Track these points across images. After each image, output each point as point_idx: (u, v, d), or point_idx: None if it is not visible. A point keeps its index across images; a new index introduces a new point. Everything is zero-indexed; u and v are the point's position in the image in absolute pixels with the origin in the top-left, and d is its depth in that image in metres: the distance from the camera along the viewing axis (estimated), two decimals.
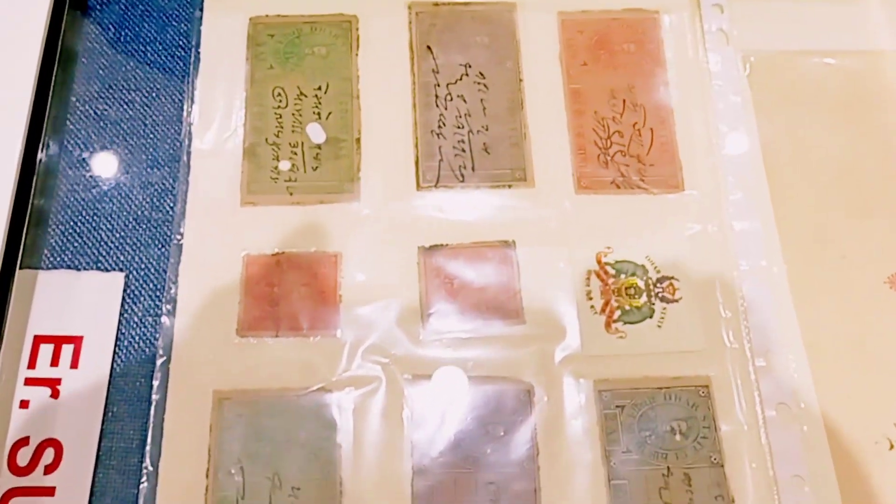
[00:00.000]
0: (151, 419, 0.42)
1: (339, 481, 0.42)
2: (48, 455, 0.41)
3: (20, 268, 0.44)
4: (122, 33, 0.51)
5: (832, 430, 0.44)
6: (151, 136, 0.48)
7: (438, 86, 0.50)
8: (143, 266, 0.46)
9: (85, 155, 0.48)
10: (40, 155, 0.46)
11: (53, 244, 0.46)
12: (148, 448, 0.41)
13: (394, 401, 0.43)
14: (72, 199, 0.47)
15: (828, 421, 0.44)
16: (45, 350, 0.43)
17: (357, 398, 0.43)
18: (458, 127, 0.49)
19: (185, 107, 0.49)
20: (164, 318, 0.44)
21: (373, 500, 0.41)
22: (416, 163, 0.48)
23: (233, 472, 0.41)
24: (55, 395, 0.42)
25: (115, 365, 0.43)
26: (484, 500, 0.42)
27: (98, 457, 0.41)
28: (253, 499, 0.41)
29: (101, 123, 0.48)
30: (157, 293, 0.45)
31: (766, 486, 0.43)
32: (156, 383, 0.43)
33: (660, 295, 0.46)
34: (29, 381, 0.42)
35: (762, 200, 0.48)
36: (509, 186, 0.48)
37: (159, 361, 0.43)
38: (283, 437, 0.42)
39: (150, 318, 0.45)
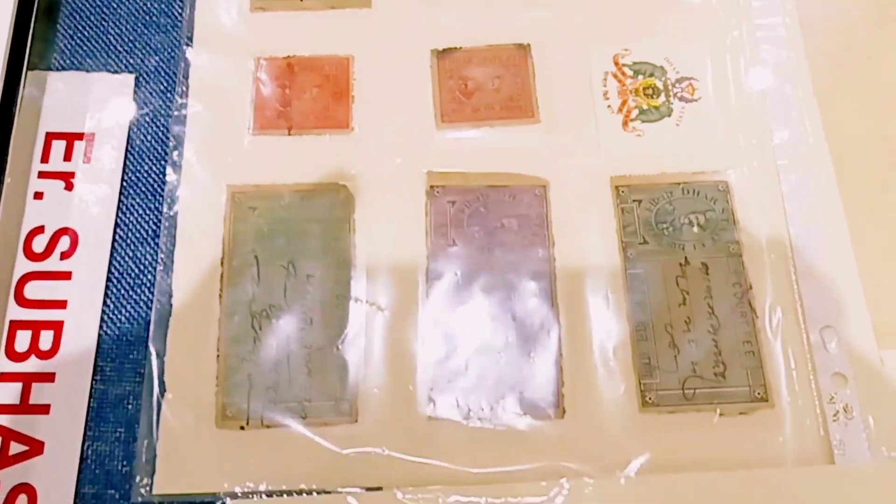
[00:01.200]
0: (165, 210, 0.42)
1: (351, 267, 0.42)
2: (63, 242, 0.41)
3: (30, 69, 0.44)
4: None
5: (854, 226, 0.43)
6: None
7: None
8: (153, 70, 0.45)
9: None
10: None
11: (63, 47, 0.45)
12: (162, 238, 0.41)
13: (408, 194, 0.43)
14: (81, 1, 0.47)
15: (851, 217, 0.43)
16: (58, 146, 0.43)
17: (371, 193, 0.43)
18: None
19: None
20: (174, 120, 0.44)
21: (386, 282, 0.41)
22: None
23: (246, 258, 0.41)
24: (69, 187, 0.42)
25: (127, 160, 0.43)
26: (500, 291, 0.42)
27: (113, 245, 0.41)
28: (267, 285, 0.41)
29: None
30: (168, 96, 0.45)
31: (785, 275, 0.42)
32: (168, 178, 0.43)
33: (679, 95, 0.45)
34: (42, 175, 0.42)
35: None
36: None
37: (174, 155, 0.43)
38: (297, 228, 0.42)
39: (160, 119, 0.44)
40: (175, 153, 0.43)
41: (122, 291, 0.41)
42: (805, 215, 0.43)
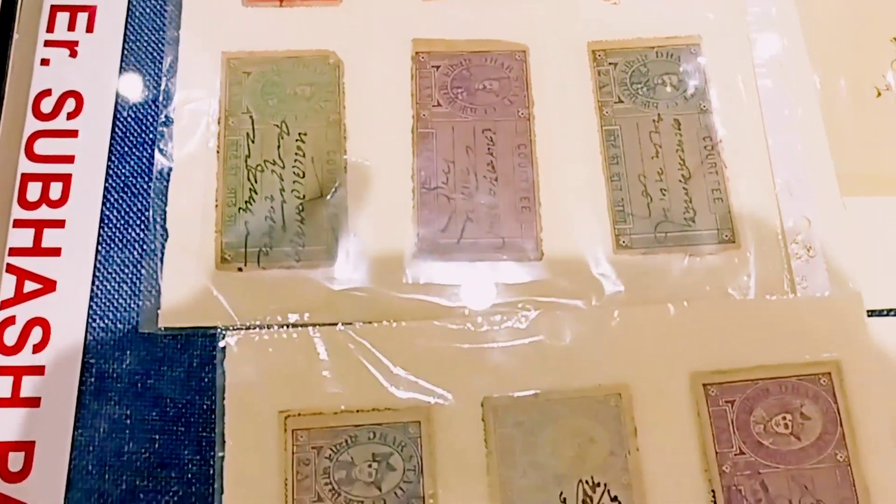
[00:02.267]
0: (163, 75, 0.44)
1: (343, 128, 0.44)
2: (70, 104, 0.44)
3: None
4: None
5: (824, 82, 0.45)
6: None
7: None
8: None
9: None
10: None
11: None
12: (161, 100, 0.44)
13: (395, 60, 0.45)
14: None
15: (820, 73, 0.45)
16: (62, 17, 0.45)
17: (359, 59, 0.45)
18: None
19: None
20: None
21: (375, 140, 0.44)
22: None
23: (242, 118, 0.44)
24: (73, 55, 0.45)
25: (127, 30, 0.45)
26: (483, 146, 0.44)
27: (116, 106, 0.44)
28: (262, 142, 0.44)
29: None
30: None
31: (753, 129, 0.44)
32: (166, 46, 0.45)
33: None
34: (48, 43, 0.45)
35: None
36: None
37: (171, 26, 0.45)
38: (289, 91, 0.45)
39: None
40: (172, 25, 0.45)
41: (126, 148, 0.43)
42: (774, 73, 0.45)
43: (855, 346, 0.40)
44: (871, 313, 0.41)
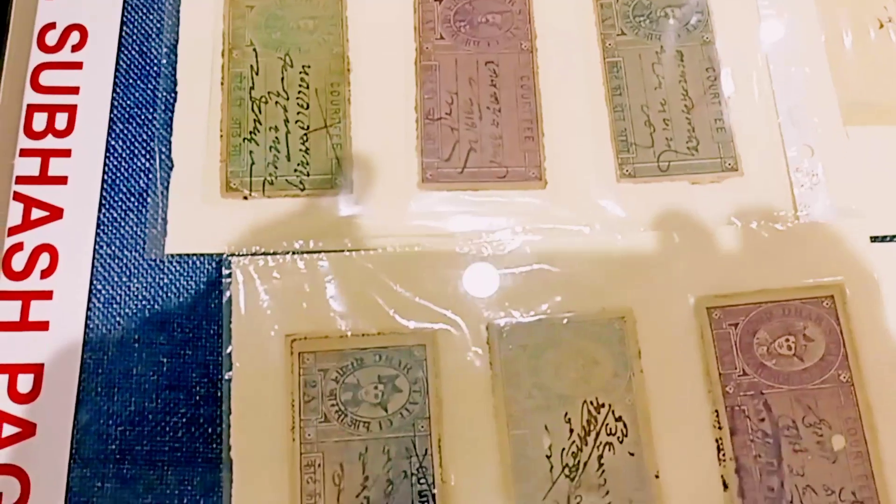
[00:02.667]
0: (167, 8, 0.45)
1: (346, 61, 0.44)
2: (74, 37, 0.44)
3: None
4: None
5: (827, 13, 0.45)
6: None
7: None
8: None
9: None
10: None
11: None
12: (165, 32, 0.44)
13: None
14: None
15: (823, 4, 0.45)
16: None
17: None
18: None
19: None
20: None
21: (378, 72, 0.44)
22: None
23: (246, 50, 0.44)
24: None
25: None
26: (486, 77, 0.44)
27: (120, 38, 0.44)
28: (266, 74, 0.44)
29: None
30: None
31: (756, 60, 0.45)
32: None
33: None
34: None
35: None
36: None
37: None
38: (292, 24, 0.45)
39: None
40: None
41: (130, 80, 0.43)
42: (776, 4, 0.45)
43: (858, 269, 0.40)
44: (874, 239, 0.41)
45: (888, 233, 0.42)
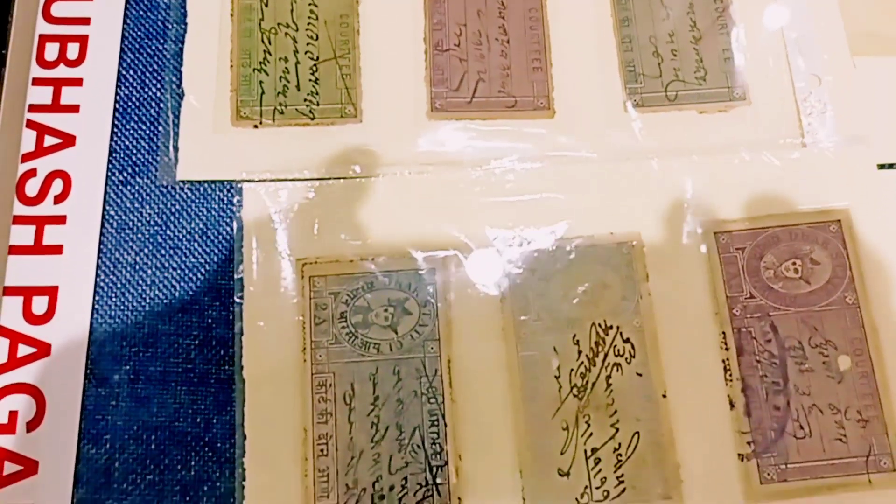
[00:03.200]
0: None
1: None
2: None
3: None
4: None
5: None
6: None
7: None
8: None
9: None
10: None
11: None
12: None
13: None
14: None
15: None
16: None
17: None
18: None
19: None
20: None
21: (388, 10, 0.44)
22: None
23: None
24: None
25: None
26: (494, 9, 0.44)
27: None
28: (275, 6, 0.44)
29: None
30: None
31: None
32: None
33: None
34: None
35: None
36: None
37: None
38: None
39: None
40: None
41: (141, 11, 0.44)
42: None
43: (864, 195, 0.41)
44: (881, 167, 0.42)
45: (895, 160, 0.42)
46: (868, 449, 0.38)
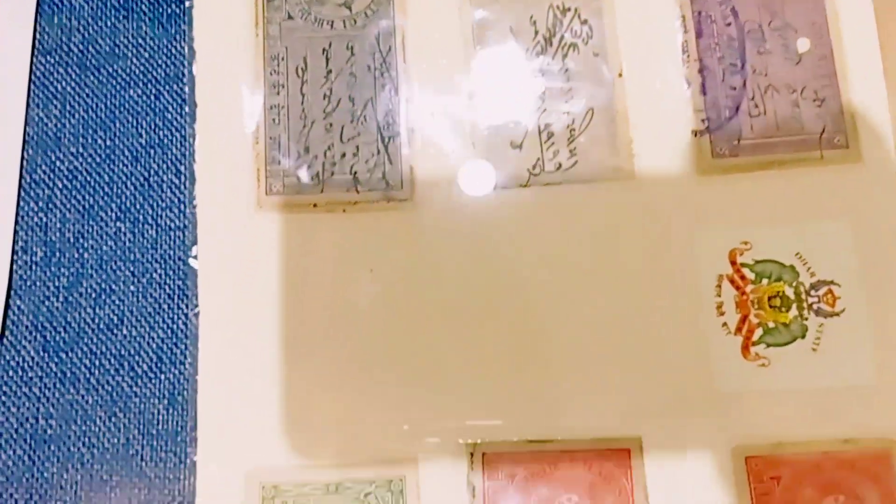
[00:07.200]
0: None
1: None
2: None
3: None
4: None
5: None
6: None
7: None
8: None
9: None
10: None
11: None
12: None
13: None
14: None
15: None
16: None
17: None
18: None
19: None
20: None
21: None
22: None
23: None
24: None
25: None
26: None
27: None
28: None
29: None
30: None
31: None
32: None
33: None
34: None
35: None
36: None
37: None
38: None
39: None
40: None
41: None
42: None
43: None
44: None
45: None
46: (822, 127, 0.37)
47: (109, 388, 0.35)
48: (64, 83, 0.37)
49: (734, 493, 0.35)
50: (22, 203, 0.36)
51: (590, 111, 0.38)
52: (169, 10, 0.39)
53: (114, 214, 0.37)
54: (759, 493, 0.35)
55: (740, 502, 0.34)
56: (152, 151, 0.37)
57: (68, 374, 0.35)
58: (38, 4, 0.38)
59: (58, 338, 0.36)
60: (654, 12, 0.38)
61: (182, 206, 0.37)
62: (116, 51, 0.38)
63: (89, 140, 0.37)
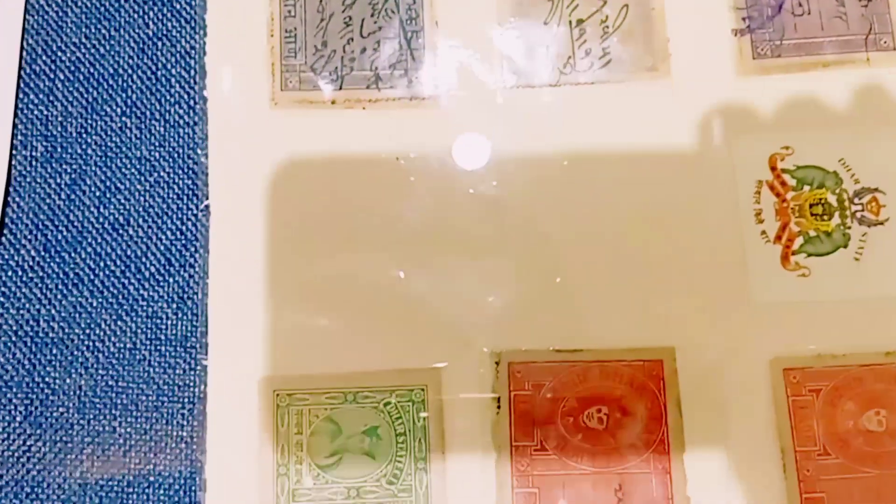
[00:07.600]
0: None
1: None
2: None
3: None
4: None
5: None
6: None
7: None
8: None
9: None
10: None
11: None
12: None
13: None
14: None
15: None
16: None
17: None
18: None
19: None
20: None
21: None
22: None
23: None
24: None
25: None
26: None
27: None
28: None
29: None
30: None
31: None
32: None
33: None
34: None
35: None
36: None
37: None
38: None
39: None
40: None
41: None
42: None
43: None
44: None
45: None
46: (868, 27, 0.35)
47: (115, 291, 0.33)
48: None
49: (772, 407, 0.33)
50: (21, 95, 0.34)
51: (624, 7, 0.36)
52: None
53: (119, 108, 0.35)
54: (798, 407, 0.33)
55: (778, 416, 0.33)
56: (160, 43, 0.35)
57: (71, 276, 0.33)
58: None
59: (59, 237, 0.34)
60: None
61: (192, 102, 0.35)
62: None
63: (92, 29, 0.35)
